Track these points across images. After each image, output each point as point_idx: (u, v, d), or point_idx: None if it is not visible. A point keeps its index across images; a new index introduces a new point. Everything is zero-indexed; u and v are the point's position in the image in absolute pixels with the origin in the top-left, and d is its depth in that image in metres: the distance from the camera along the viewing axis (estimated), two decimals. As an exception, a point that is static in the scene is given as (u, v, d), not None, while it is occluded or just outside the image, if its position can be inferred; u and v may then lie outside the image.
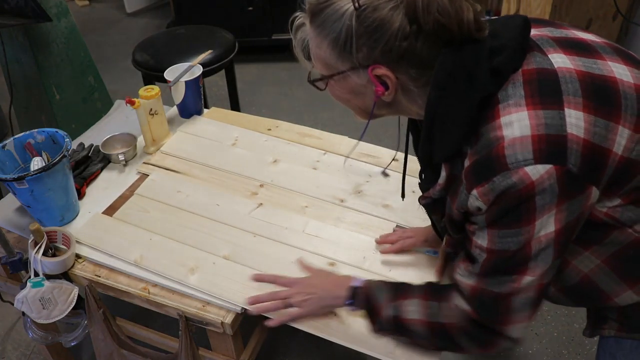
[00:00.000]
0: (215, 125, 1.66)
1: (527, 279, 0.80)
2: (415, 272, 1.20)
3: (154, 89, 1.50)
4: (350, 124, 2.87)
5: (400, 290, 0.98)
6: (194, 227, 1.31)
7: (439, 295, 0.94)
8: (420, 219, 1.31)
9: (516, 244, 0.78)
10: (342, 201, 1.37)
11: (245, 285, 1.17)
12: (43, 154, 1.34)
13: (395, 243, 1.24)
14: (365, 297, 1.01)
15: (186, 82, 1.59)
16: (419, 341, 0.99)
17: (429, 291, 0.97)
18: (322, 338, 1.08)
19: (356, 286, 1.03)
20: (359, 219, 1.32)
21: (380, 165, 1.48)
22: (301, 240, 1.27)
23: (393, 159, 1.32)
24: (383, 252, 1.23)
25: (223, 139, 1.60)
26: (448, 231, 0.94)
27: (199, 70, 1.64)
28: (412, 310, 0.95)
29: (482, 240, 0.81)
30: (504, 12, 2.65)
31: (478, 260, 0.83)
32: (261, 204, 1.37)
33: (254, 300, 1.12)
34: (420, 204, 0.97)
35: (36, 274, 1.18)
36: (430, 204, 0.95)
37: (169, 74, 1.62)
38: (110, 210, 1.38)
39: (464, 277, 0.87)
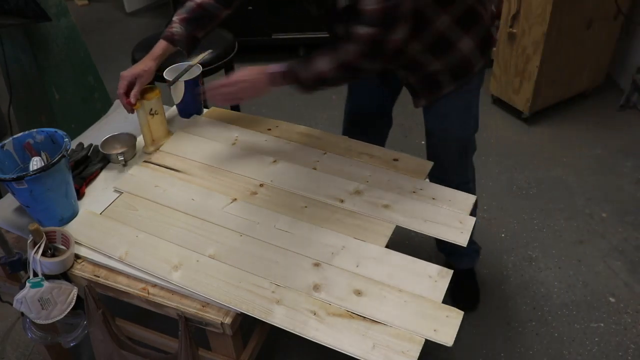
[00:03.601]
0: (215, 125, 1.66)
1: None
2: (382, 267, 1.20)
3: (154, 89, 1.50)
4: (351, 124, 2.86)
5: (308, 58, 1.29)
6: (180, 225, 1.32)
7: (337, 46, 1.24)
8: (421, 220, 1.31)
9: None
10: (341, 201, 1.37)
11: (227, 283, 1.17)
12: (42, 154, 1.34)
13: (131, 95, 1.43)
14: (290, 75, 1.32)
15: (185, 81, 1.59)
16: (335, 83, 1.33)
17: (329, 48, 1.27)
18: (322, 339, 1.08)
19: (273, 72, 1.34)
20: (358, 220, 1.32)
21: (380, 166, 1.48)
22: (286, 240, 1.27)
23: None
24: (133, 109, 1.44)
25: (223, 139, 1.60)
26: None
27: (198, 70, 1.63)
28: (322, 63, 1.26)
29: None
30: (504, 12, 2.65)
31: None
32: (235, 199, 1.37)
33: (208, 91, 1.43)
34: None
35: (35, 274, 1.17)
36: None
37: (169, 73, 1.62)
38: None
39: (367, 3, 1.16)
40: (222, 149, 1.56)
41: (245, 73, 1.39)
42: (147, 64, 1.46)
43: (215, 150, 1.56)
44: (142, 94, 1.49)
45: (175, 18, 1.49)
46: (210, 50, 1.82)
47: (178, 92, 1.62)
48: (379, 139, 1.80)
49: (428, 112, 1.58)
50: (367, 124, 1.74)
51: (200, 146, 1.57)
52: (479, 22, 1.37)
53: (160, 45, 1.48)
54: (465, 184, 1.63)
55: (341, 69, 1.27)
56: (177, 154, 1.54)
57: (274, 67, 1.35)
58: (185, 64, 1.65)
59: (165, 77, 1.61)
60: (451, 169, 1.58)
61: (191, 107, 1.67)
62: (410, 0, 1.20)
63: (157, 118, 1.52)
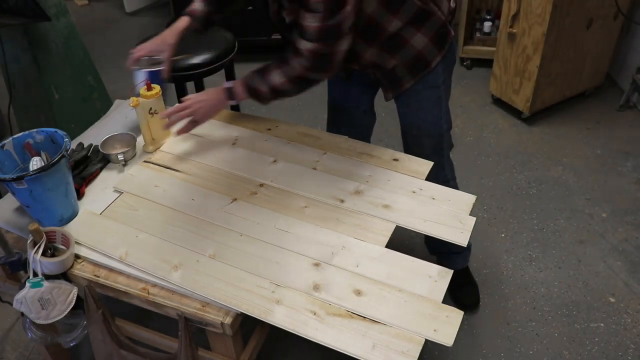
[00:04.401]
0: (215, 125, 1.65)
1: (348, 9, 1.21)
2: (382, 267, 1.20)
3: (155, 88, 1.49)
4: (350, 124, 2.86)
5: (263, 71, 1.39)
6: (180, 225, 1.32)
7: (286, 58, 1.34)
8: (421, 220, 1.31)
9: None
10: (341, 201, 1.37)
11: (227, 283, 1.17)
12: (42, 153, 1.34)
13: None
14: (244, 89, 1.42)
15: (145, 72, 1.51)
16: (289, 94, 1.41)
17: (280, 61, 1.36)
18: (322, 339, 1.08)
19: (229, 87, 1.44)
20: (358, 220, 1.32)
21: (380, 166, 1.48)
22: (286, 240, 1.27)
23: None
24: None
25: (223, 139, 1.60)
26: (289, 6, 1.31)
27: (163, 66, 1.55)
28: (275, 77, 1.37)
29: None
30: (504, 12, 2.65)
31: (318, 9, 1.20)
32: (235, 199, 1.37)
33: (168, 125, 1.48)
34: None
35: (35, 274, 1.17)
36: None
37: (140, 62, 1.53)
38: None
39: (309, 22, 1.23)
40: (222, 149, 1.56)
41: (200, 94, 1.48)
42: (167, 36, 1.49)
43: (215, 150, 1.56)
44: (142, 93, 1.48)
45: None
46: (190, 54, 1.81)
47: (136, 82, 1.55)
48: (362, 133, 1.79)
49: (400, 109, 1.61)
50: (346, 118, 1.75)
51: (200, 146, 1.57)
52: (430, 19, 1.39)
53: (182, 21, 1.51)
54: (444, 182, 1.64)
55: (292, 82, 1.36)
56: (177, 154, 1.54)
57: (230, 83, 1.44)
58: (159, 58, 1.60)
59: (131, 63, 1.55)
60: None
61: None
62: (351, 18, 1.24)
63: (157, 117, 1.52)
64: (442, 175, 1.67)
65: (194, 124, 1.48)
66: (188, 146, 1.57)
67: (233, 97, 1.45)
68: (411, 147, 1.66)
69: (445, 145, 1.65)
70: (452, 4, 1.47)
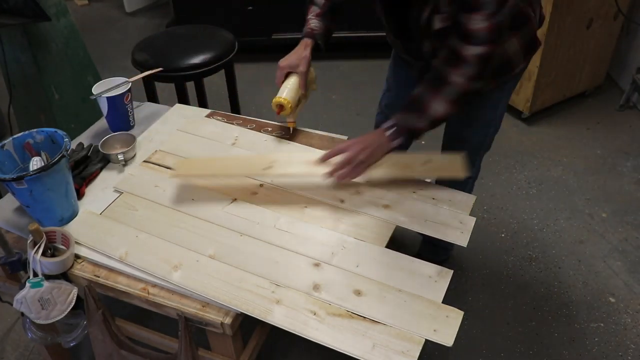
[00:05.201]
0: (215, 125, 1.66)
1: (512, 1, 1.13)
2: (382, 267, 1.20)
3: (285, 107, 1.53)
4: (351, 124, 2.87)
5: (418, 105, 1.25)
6: (180, 225, 1.32)
7: (441, 78, 1.22)
8: (421, 219, 1.31)
9: None
10: (341, 201, 1.37)
11: (227, 283, 1.17)
12: (42, 153, 1.34)
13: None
14: (405, 131, 1.27)
15: (107, 98, 1.56)
16: (447, 120, 1.33)
17: (432, 85, 1.24)
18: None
19: (390, 129, 1.27)
20: (358, 220, 1.32)
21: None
22: (286, 240, 1.27)
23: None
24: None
25: (223, 139, 1.60)
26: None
27: (125, 87, 1.59)
28: (437, 107, 1.23)
29: None
30: (504, 12, 2.65)
31: (487, 6, 1.11)
32: (235, 199, 1.37)
33: (330, 173, 1.30)
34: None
35: (35, 274, 1.17)
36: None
37: (97, 88, 1.59)
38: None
39: (476, 23, 1.13)
40: (222, 149, 1.56)
41: (360, 142, 1.29)
42: (301, 53, 1.50)
43: (215, 150, 1.56)
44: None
45: (310, 16, 1.52)
46: (160, 69, 1.82)
47: (101, 107, 1.59)
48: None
49: None
50: None
51: (200, 146, 1.57)
52: (527, 25, 1.36)
53: (305, 43, 1.51)
54: (465, 178, 1.63)
55: (456, 104, 1.24)
56: (177, 154, 1.54)
57: (387, 126, 1.28)
58: (121, 79, 1.61)
59: (93, 91, 1.58)
60: None
61: (117, 122, 1.62)
62: (511, 9, 1.15)
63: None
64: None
65: (362, 172, 1.30)
66: (188, 146, 1.57)
67: (395, 140, 1.28)
68: (451, 142, 1.68)
69: (483, 148, 1.68)
70: (542, 12, 1.44)
